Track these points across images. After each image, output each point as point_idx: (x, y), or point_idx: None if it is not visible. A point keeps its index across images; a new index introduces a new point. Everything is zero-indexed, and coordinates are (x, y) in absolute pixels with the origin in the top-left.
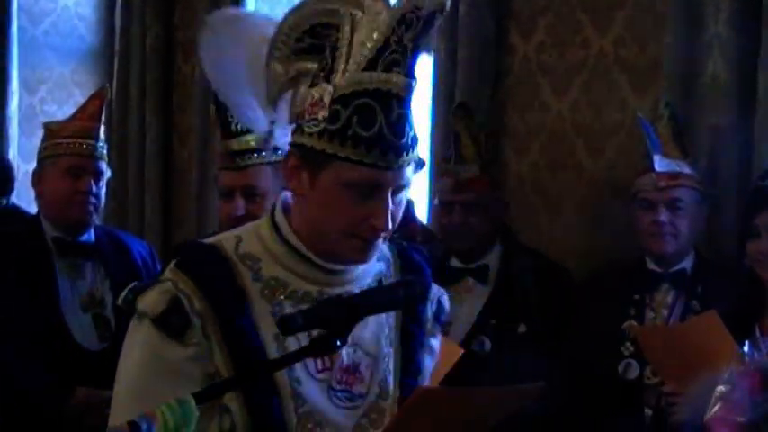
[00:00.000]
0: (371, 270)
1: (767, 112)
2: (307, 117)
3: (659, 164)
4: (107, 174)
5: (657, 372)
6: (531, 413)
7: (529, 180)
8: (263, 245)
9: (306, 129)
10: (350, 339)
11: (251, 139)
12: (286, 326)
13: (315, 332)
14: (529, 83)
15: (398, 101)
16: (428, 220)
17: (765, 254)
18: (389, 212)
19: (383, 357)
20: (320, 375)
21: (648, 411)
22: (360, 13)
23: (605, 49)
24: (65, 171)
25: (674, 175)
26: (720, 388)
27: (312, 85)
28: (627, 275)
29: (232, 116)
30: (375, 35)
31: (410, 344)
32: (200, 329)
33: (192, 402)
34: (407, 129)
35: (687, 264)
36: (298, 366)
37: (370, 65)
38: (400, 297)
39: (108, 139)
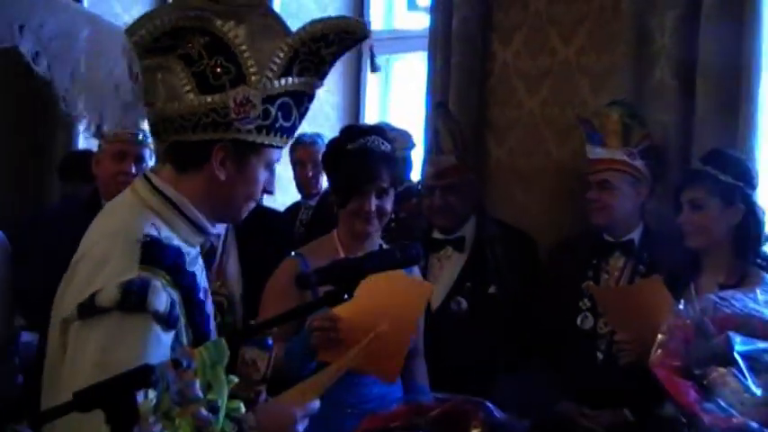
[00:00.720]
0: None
1: (704, 111)
2: (235, 116)
3: (591, 153)
4: (150, 159)
5: (611, 324)
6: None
7: (507, 164)
8: (170, 227)
9: (240, 127)
10: None
11: None
12: (302, 282)
13: None
14: (507, 84)
15: (308, 98)
16: None
17: (687, 224)
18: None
19: None
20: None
21: (600, 355)
22: (242, 26)
23: (569, 57)
24: (112, 155)
25: (603, 161)
26: (660, 337)
27: (206, 92)
28: (586, 244)
29: None
30: (285, 48)
31: None
32: (180, 312)
33: (224, 342)
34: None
35: (635, 235)
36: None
37: (286, 71)
38: (398, 258)
39: None
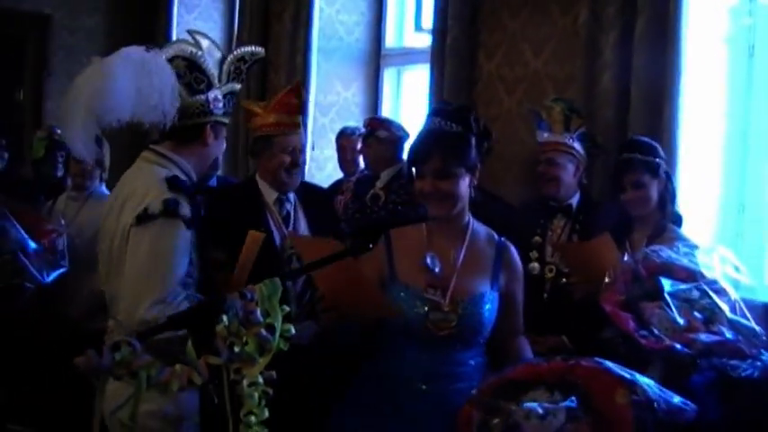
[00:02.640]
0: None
1: (636, 110)
2: (213, 105)
3: (539, 137)
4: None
5: (569, 270)
6: None
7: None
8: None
9: (216, 114)
10: None
11: None
12: (337, 234)
13: None
14: (491, 88)
15: (236, 95)
16: None
17: (632, 200)
18: None
19: None
20: None
21: (545, 295)
22: (200, 51)
23: (538, 68)
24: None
25: (549, 143)
26: (607, 281)
27: (194, 93)
28: (537, 208)
29: None
30: (229, 64)
31: None
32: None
33: (278, 280)
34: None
35: (574, 201)
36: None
37: (228, 79)
38: (411, 216)
39: None
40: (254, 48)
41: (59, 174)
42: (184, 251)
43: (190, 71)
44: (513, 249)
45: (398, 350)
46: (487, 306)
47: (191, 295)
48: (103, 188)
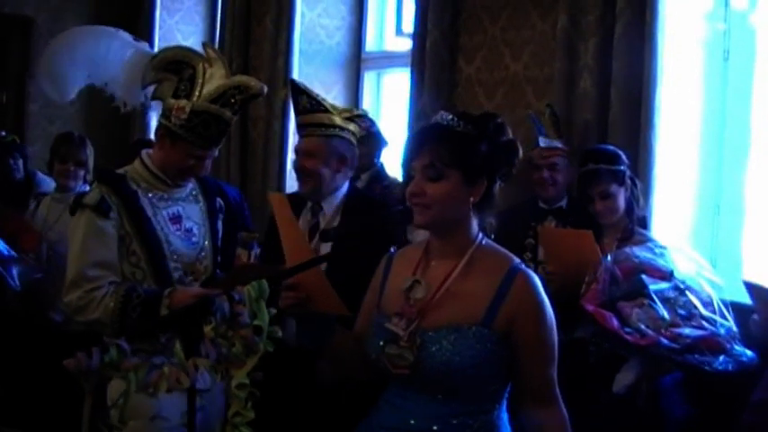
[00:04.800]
0: (187, 186)
1: (615, 113)
2: (174, 114)
3: (542, 142)
4: None
5: (545, 257)
6: None
7: None
8: (138, 173)
9: (173, 120)
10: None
11: (316, 117)
12: (325, 236)
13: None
14: (470, 92)
15: (224, 122)
16: None
17: (601, 210)
18: (205, 167)
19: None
20: (178, 232)
21: None
22: (208, 66)
23: (518, 71)
24: None
25: (551, 149)
26: (587, 279)
27: (175, 97)
28: (528, 210)
29: (305, 97)
30: (218, 85)
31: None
32: (116, 210)
33: (266, 283)
34: (223, 134)
35: (563, 203)
36: (165, 229)
37: (215, 100)
38: (398, 219)
39: None
40: (253, 81)
41: (18, 176)
42: (95, 237)
43: (189, 78)
44: (531, 279)
45: (387, 391)
46: (461, 345)
47: (125, 284)
48: (87, 189)
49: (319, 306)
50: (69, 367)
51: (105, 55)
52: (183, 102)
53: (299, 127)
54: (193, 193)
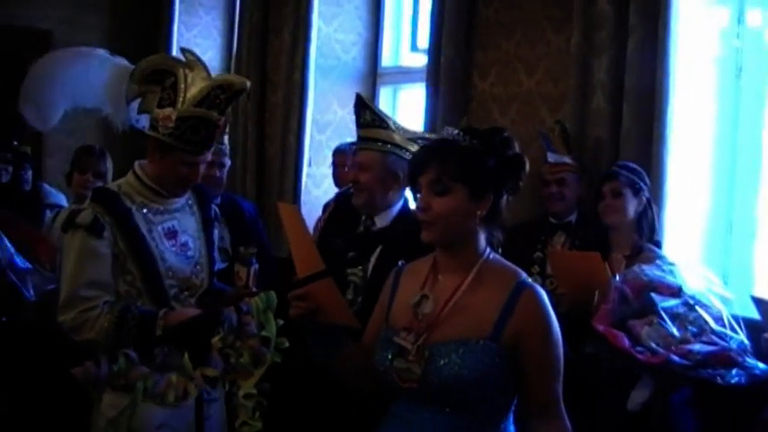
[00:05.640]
0: (183, 199)
1: (628, 129)
2: (161, 124)
3: (550, 158)
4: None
5: (555, 279)
6: None
7: None
8: (132, 187)
9: (161, 130)
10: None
11: (376, 132)
12: (331, 249)
13: None
14: (484, 107)
15: (212, 124)
16: None
17: (608, 207)
18: (199, 173)
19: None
20: (173, 248)
21: None
22: (189, 71)
23: (531, 87)
24: None
25: (559, 165)
26: (597, 298)
27: (160, 107)
28: (538, 225)
29: (369, 111)
30: (202, 88)
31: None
32: (109, 230)
33: (274, 294)
34: (213, 136)
35: (572, 218)
36: (161, 245)
37: (200, 103)
38: (399, 234)
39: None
40: (235, 77)
41: (27, 188)
42: (89, 257)
43: (171, 86)
44: (538, 294)
45: (395, 404)
46: (469, 359)
47: (119, 303)
48: None
49: (329, 317)
50: (77, 376)
51: (86, 76)
52: (168, 110)
53: (359, 140)
54: (189, 203)
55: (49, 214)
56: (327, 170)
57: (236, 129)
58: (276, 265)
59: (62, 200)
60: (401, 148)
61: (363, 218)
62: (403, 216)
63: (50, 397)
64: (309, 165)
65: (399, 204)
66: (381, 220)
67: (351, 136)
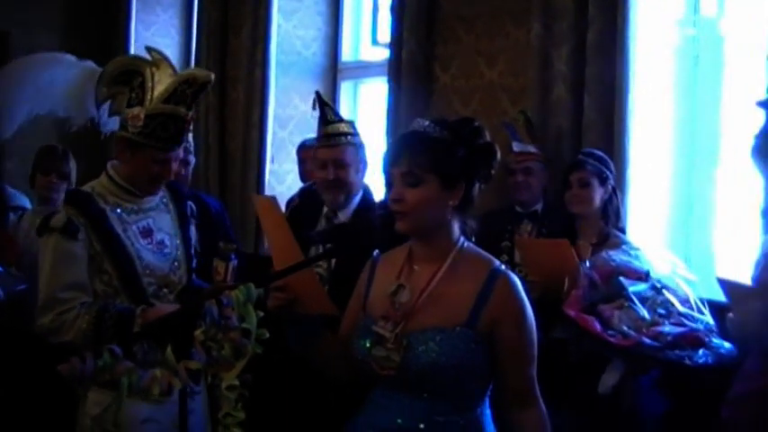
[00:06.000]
0: (157, 197)
1: (589, 119)
2: (130, 123)
3: (516, 147)
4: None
5: (525, 266)
6: None
7: None
8: (105, 188)
9: (130, 129)
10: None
11: (342, 126)
12: (310, 240)
13: None
14: (446, 99)
15: (181, 119)
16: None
17: (576, 196)
18: (171, 170)
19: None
20: (149, 246)
21: None
22: (156, 69)
23: (493, 79)
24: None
25: (524, 154)
26: (567, 285)
27: (129, 106)
28: (504, 215)
29: (329, 109)
30: (168, 84)
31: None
32: (84, 231)
33: (253, 286)
34: (182, 132)
35: (538, 207)
36: (136, 244)
37: (167, 100)
38: (376, 226)
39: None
40: (199, 71)
41: None
42: (64, 259)
43: (140, 85)
44: (512, 281)
45: (372, 391)
46: (446, 346)
47: (96, 303)
48: None
49: (309, 307)
50: (63, 372)
51: (50, 83)
52: (136, 109)
53: (327, 137)
54: (164, 201)
55: (12, 217)
56: (290, 166)
57: (198, 126)
58: (244, 260)
59: (26, 202)
60: (357, 135)
61: (325, 211)
62: (363, 208)
63: (35, 397)
64: (272, 161)
65: (359, 196)
66: (343, 214)
67: (312, 131)
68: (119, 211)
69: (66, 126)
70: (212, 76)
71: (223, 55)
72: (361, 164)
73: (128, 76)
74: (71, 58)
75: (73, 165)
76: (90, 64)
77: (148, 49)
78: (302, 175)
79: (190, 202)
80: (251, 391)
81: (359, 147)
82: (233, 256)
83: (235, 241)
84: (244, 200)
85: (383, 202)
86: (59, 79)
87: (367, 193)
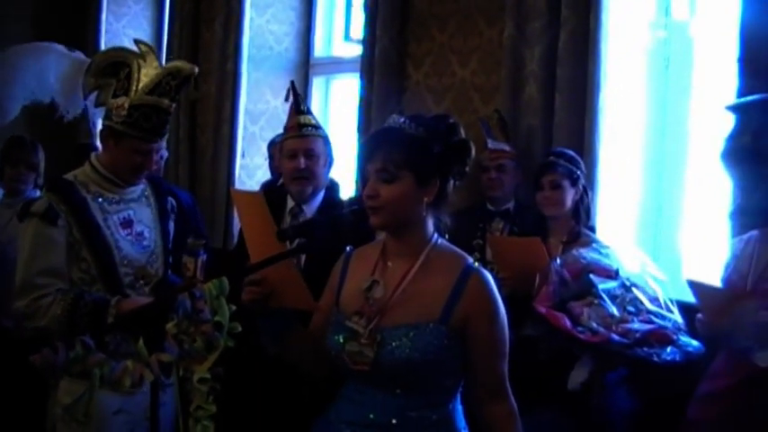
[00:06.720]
0: (138, 187)
1: (560, 119)
2: (114, 113)
3: (490, 144)
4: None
5: (496, 264)
6: None
7: None
8: (87, 177)
9: (114, 119)
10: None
11: (312, 119)
12: (282, 235)
13: None
14: (419, 97)
15: (164, 111)
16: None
17: (547, 199)
18: (153, 160)
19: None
20: (129, 237)
21: None
22: (143, 62)
23: (466, 77)
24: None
25: (498, 151)
26: (537, 283)
27: (114, 96)
28: (476, 212)
29: (302, 100)
30: (153, 76)
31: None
32: (64, 218)
33: (226, 280)
34: (164, 123)
35: (510, 205)
36: (116, 234)
37: (151, 91)
38: (349, 219)
39: None
40: (183, 64)
41: None
42: (43, 244)
43: (126, 76)
44: (485, 278)
45: (345, 386)
46: (419, 342)
47: (72, 291)
48: (38, 193)
49: (286, 301)
50: (36, 363)
51: (43, 71)
52: (121, 99)
53: (299, 126)
54: (145, 194)
55: None
56: (260, 161)
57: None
58: (213, 254)
59: None
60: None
61: (290, 206)
62: (328, 206)
63: (6, 386)
64: (243, 156)
65: (323, 192)
66: (309, 209)
67: (283, 127)
68: (100, 200)
69: (33, 117)
70: (196, 69)
71: (195, 47)
72: (328, 158)
73: (115, 67)
74: (61, 48)
75: (42, 155)
76: (79, 55)
77: (137, 42)
78: (272, 170)
79: (170, 198)
80: (223, 384)
81: (326, 141)
82: (201, 252)
83: (205, 236)
84: (214, 194)
85: (356, 198)
86: (52, 68)
87: (332, 190)
